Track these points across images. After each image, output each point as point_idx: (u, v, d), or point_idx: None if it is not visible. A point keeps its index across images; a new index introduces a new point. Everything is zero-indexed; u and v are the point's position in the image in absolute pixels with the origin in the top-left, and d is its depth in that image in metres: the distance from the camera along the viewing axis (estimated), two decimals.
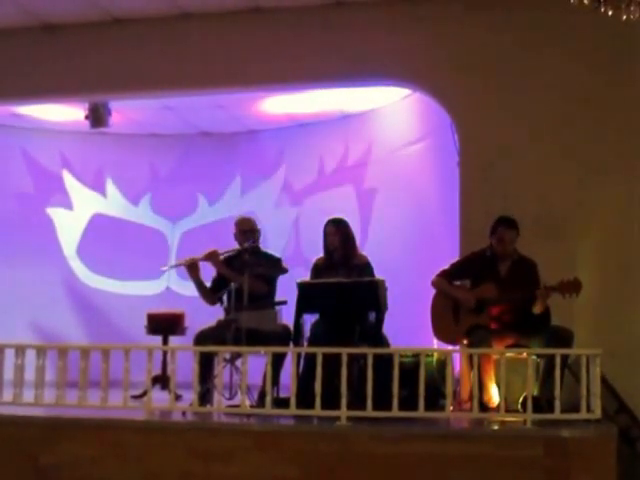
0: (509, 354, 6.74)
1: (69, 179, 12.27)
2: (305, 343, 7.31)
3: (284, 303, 7.71)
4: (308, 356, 6.95)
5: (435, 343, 7.78)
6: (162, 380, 9.16)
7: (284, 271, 7.81)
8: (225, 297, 7.79)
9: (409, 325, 8.61)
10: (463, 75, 8.43)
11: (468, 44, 8.44)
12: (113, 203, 12.33)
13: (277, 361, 6.94)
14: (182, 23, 9.08)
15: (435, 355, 7.40)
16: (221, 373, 6.90)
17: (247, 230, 7.94)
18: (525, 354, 6.76)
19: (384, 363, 6.44)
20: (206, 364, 7.01)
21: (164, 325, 9.73)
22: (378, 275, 7.50)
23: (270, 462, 6.26)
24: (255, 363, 6.90)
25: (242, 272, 7.47)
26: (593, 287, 7.43)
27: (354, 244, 7.80)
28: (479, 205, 8.12)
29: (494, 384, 6.91)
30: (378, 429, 6.30)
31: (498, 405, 6.61)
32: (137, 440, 6.45)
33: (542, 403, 6.49)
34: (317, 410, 6.41)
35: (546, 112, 8.21)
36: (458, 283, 7.58)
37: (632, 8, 5.80)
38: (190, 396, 6.86)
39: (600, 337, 7.51)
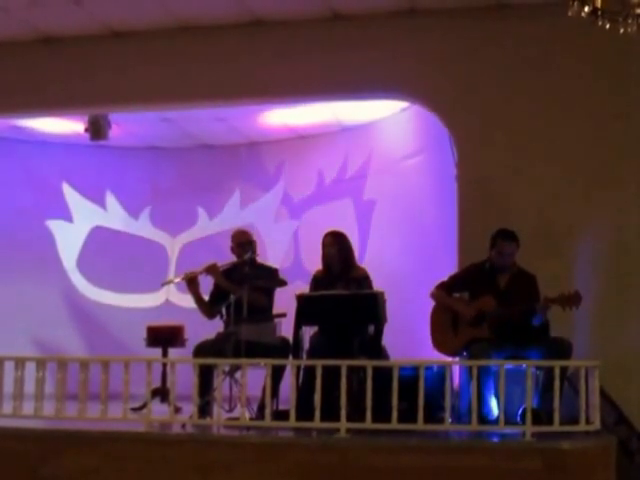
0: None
1: (69, 192, 12.28)
2: (304, 355, 7.32)
3: (283, 316, 7.73)
4: (307, 368, 6.97)
5: (435, 355, 7.79)
6: (162, 392, 9.15)
7: (284, 283, 7.84)
8: (224, 310, 7.80)
9: (408, 337, 8.62)
10: (461, 89, 8.45)
11: (467, 58, 8.46)
12: (113, 216, 12.33)
13: (276, 373, 6.95)
14: (182, 36, 9.09)
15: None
16: (220, 385, 6.92)
17: (244, 242, 7.96)
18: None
19: (383, 375, 6.46)
20: (206, 376, 7.02)
21: (164, 337, 9.73)
22: (377, 287, 7.52)
23: (269, 474, 6.26)
24: (254, 375, 6.90)
25: (241, 285, 7.48)
26: (591, 298, 7.44)
27: (352, 257, 7.83)
28: (477, 218, 8.12)
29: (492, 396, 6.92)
30: (377, 441, 6.30)
31: (497, 417, 6.61)
32: (137, 452, 6.46)
33: (541, 415, 6.49)
34: (316, 422, 6.42)
35: (545, 127, 8.23)
36: (457, 295, 7.59)
37: (629, 21, 5.82)
38: (190, 408, 6.88)
39: (598, 349, 7.53)
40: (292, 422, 6.51)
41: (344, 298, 7.27)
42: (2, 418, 6.89)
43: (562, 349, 6.85)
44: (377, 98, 9.52)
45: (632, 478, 6.81)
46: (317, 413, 6.39)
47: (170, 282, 9.42)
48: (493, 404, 6.91)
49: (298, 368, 6.88)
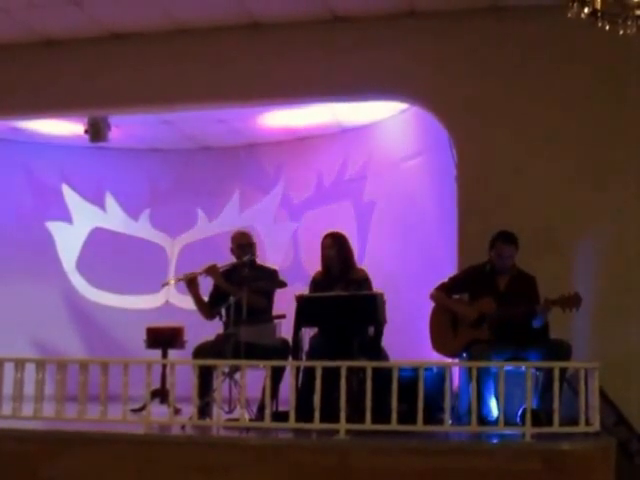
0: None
1: (69, 193, 12.29)
2: (304, 357, 7.32)
3: (283, 317, 7.72)
4: (307, 370, 6.97)
5: (434, 357, 7.79)
6: (161, 394, 9.16)
7: (283, 285, 7.83)
8: (224, 311, 7.80)
9: (408, 338, 8.62)
10: (461, 90, 8.46)
11: (466, 60, 8.46)
12: (113, 217, 12.34)
13: (276, 375, 6.95)
14: (181, 39, 9.10)
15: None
16: (220, 387, 6.91)
17: (245, 244, 7.96)
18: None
19: (383, 376, 6.46)
20: (205, 378, 7.02)
21: (163, 339, 9.74)
22: (376, 289, 7.52)
23: (269, 476, 6.26)
24: (254, 377, 6.90)
25: (241, 286, 7.48)
26: (591, 300, 7.44)
27: (352, 258, 7.83)
28: (477, 219, 8.13)
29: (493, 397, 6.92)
30: (377, 443, 6.30)
31: (497, 418, 6.61)
32: (136, 454, 6.45)
33: (541, 416, 6.50)
34: (316, 424, 6.41)
35: (545, 127, 8.23)
36: (457, 297, 7.59)
37: (629, 23, 5.82)
38: (189, 410, 6.87)
39: (597, 350, 7.53)
40: (292, 423, 6.50)
41: (344, 299, 7.27)
42: (2, 419, 6.88)
43: (562, 351, 6.85)
44: (376, 99, 9.52)
45: (632, 479, 6.82)
46: (317, 414, 6.39)
47: (170, 283, 9.42)
48: (493, 405, 6.91)
49: (298, 369, 6.88)
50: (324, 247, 7.77)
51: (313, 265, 8.15)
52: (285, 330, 7.61)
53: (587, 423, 6.29)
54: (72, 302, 12.13)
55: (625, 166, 8.06)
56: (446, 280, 7.62)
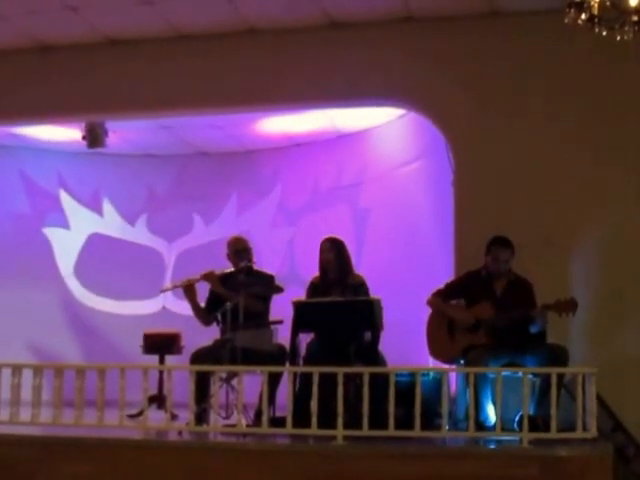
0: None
1: (66, 199, 12.29)
2: (301, 362, 7.32)
3: (280, 322, 7.72)
4: (304, 375, 6.96)
5: (430, 362, 7.79)
6: (158, 399, 9.14)
7: (280, 290, 7.83)
8: (220, 316, 7.79)
9: (405, 344, 8.62)
10: (458, 95, 8.46)
11: (464, 64, 8.47)
12: (110, 223, 12.34)
13: (273, 380, 6.95)
14: (179, 44, 9.10)
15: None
16: (217, 392, 6.91)
17: (241, 250, 7.96)
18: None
19: (380, 382, 6.46)
20: (202, 383, 7.00)
21: (160, 344, 9.71)
22: (373, 294, 7.52)
23: None
24: (251, 382, 6.90)
25: (237, 291, 7.48)
26: (587, 305, 7.44)
27: (349, 263, 7.83)
28: (474, 224, 8.13)
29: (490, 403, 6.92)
30: (374, 448, 6.29)
31: (494, 424, 6.61)
32: (133, 459, 6.45)
33: (538, 422, 6.49)
34: (313, 429, 6.40)
35: (542, 133, 8.24)
36: (454, 302, 7.59)
37: (626, 28, 5.83)
38: (186, 415, 6.87)
39: (594, 355, 7.53)
40: (289, 429, 6.49)
41: (341, 305, 7.27)
42: None
43: (559, 355, 6.85)
44: (373, 105, 9.52)
45: None
46: (314, 420, 6.38)
47: (168, 289, 9.41)
48: (490, 410, 6.91)
49: (295, 375, 6.87)
50: (322, 251, 7.78)
51: (310, 270, 8.15)
52: (282, 335, 7.61)
53: (584, 429, 6.28)
54: (69, 307, 12.13)
55: (623, 171, 8.05)
56: (443, 286, 7.62)
